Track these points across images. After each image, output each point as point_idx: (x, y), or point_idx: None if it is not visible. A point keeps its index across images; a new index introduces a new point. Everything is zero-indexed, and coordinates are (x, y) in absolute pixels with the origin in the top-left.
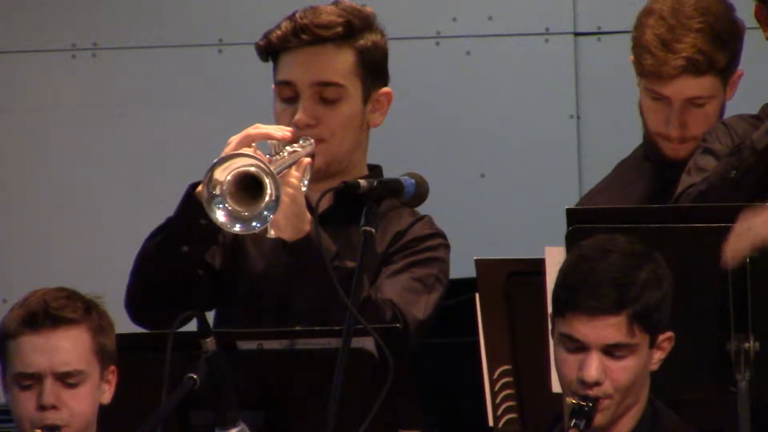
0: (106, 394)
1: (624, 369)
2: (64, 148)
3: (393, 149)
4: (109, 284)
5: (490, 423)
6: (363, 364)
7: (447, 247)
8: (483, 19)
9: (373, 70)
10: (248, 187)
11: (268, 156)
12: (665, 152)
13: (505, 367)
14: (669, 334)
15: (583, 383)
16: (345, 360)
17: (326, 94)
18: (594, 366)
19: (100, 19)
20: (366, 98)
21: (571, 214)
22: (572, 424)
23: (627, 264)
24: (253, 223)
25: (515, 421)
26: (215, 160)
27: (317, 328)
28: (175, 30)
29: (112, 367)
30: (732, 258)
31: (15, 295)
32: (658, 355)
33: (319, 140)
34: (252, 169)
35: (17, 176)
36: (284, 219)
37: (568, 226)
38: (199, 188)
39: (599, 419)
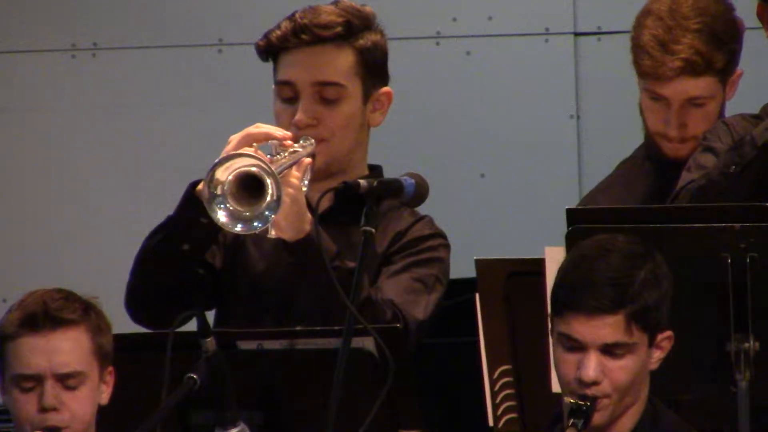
0: (105, 395)
1: (622, 368)
2: (64, 148)
3: (393, 149)
4: (108, 283)
5: (490, 423)
6: (363, 364)
7: (447, 247)
8: (483, 19)
9: (373, 69)
10: (249, 187)
11: (268, 156)
12: (665, 152)
13: (505, 367)
14: (668, 333)
15: (582, 383)
16: (345, 360)
17: (326, 94)
18: (592, 365)
19: (100, 19)
20: (366, 98)
21: (571, 214)
22: (570, 423)
23: (626, 264)
24: (255, 223)
25: (515, 421)
26: (216, 160)
27: (317, 328)
28: (175, 30)
29: (110, 368)
30: None
31: (15, 295)
32: (658, 355)
33: (320, 140)
34: (253, 169)
35: (17, 176)
36: (285, 219)
37: (568, 226)
38: (200, 186)
39: (598, 418)
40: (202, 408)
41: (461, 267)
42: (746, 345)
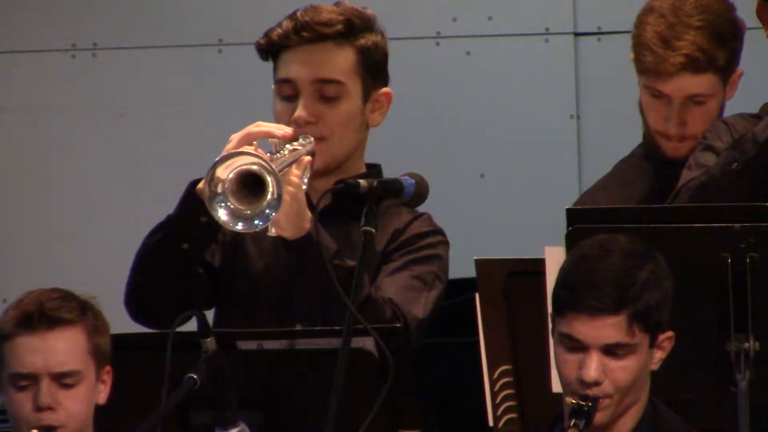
0: (102, 395)
1: (624, 369)
2: (64, 148)
3: (393, 149)
4: (108, 283)
5: (490, 423)
6: (363, 364)
7: (446, 244)
8: (483, 19)
9: (374, 69)
10: (250, 185)
11: (268, 154)
12: (665, 151)
13: (505, 367)
14: (669, 333)
15: (583, 383)
16: (345, 360)
17: (326, 92)
18: (594, 366)
19: (100, 19)
20: (366, 97)
21: (571, 214)
22: (572, 423)
23: (627, 264)
24: (255, 222)
25: (515, 421)
26: (217, 159)
27: (317, 328)
28: (175, 30)
29: (108, 368)
30: None
31: (15, 295)
32: (659, 355)
33: (319, 138)
34: (254, 167)
35: (17, 176)
36: (285, 217)
37: (568, 226)
38: (200, 185)
39: (599, 418)
40: (202, 408)
41: (461, 267)
42: (746, 345)
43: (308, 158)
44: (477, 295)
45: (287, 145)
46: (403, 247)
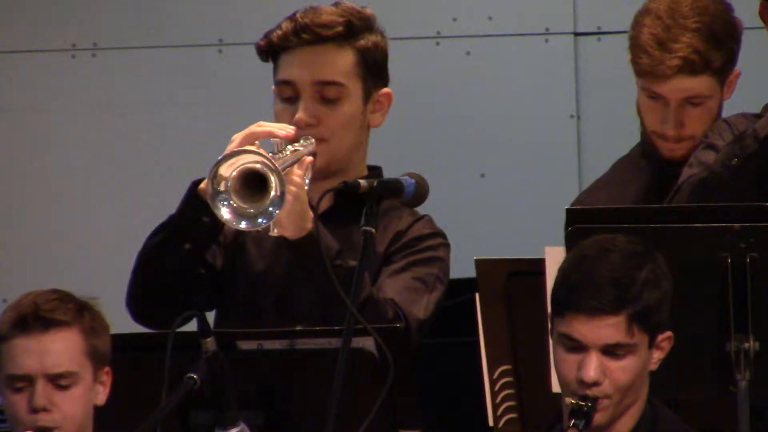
0: (101, 396)
1: (623, 369)
2: (64, 148)
3: (393, 149)
4: (108, 283)
5: (490, 423)
6: (363, 364)
7: (447, 246)
8: (483, 19)
9: (374, 70)
10: (253, 183)
11: (270, 154)
12: (662, 151)
13: (505, 367)
14: (668, 333)
15: (583, 383)
16: (345, 360)
17: (327, 94)
18: (593, 366)
19: (100, 19)
20: (366, 98)
21: (571, 214)
22: (572, 423)
23: (627, 264)
24: (258, 220)
25: (515, 421)
26: (220, 157)
27: (317, 328)
28: (175, 30)
29: (106, 369)
30: None
31: (15, 295)
32: (658, 355)
33: (320, 140)
34: (257, 165)
35: (17, 176)
36: (287, 217)
37: (568, 226)
38: (202, 185)
39: (599, 419)
40: (202, 408)
41: (461, 267)
42: (746, 345)
43: (310, 158)
44: (477, 295)
45: (288, 146)
46: (405, 249)
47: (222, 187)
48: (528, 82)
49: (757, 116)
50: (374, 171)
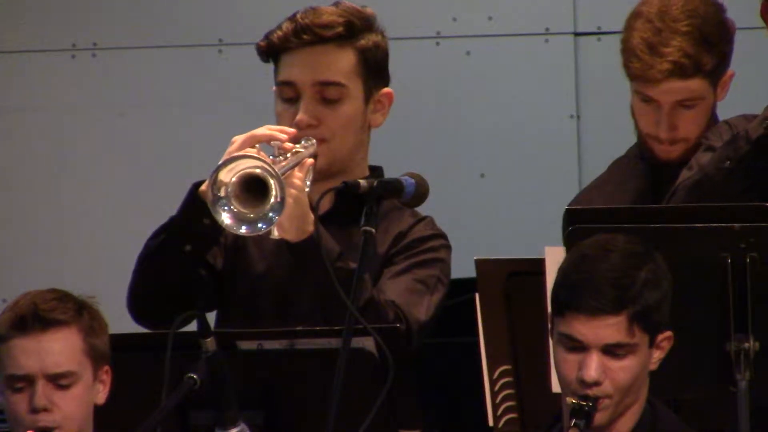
0: (101, 395)
1: (624, 369)
2: (64, 148)
3: (393, 149)
4: (109, 283)
5: (490, 423)
6: (363, 364)
7: (448, 248)
8: (483, 19)
9: (374, 70)
10: (253, 188)
11: (271, 157)
12: (657, 154)
13: (505, 367)
14: (668, 333)
15: (583, 383)
16: (345, 360)
17: (327, 94)
18: (594, 366)
19: (100, 19)
20: (367, 98)
21: (571, 214)
22: (572, 423)
23: (627, 264)
24: (259, 225)
25: (515, 421)
26: (220, 162)
27: (317, 328)
28: (175, 30)
29: (106, 368)
30: None
31: (15, 296)
32: (658, 355)
33: (321, 140)
34: (257, 170)
35: (17, 176)
36: (288, 220)
37: (568, 226)
38: (203, 187)
39: (599, 418)
40: (202, 408)
41: (461, 267)
42: (746, 345)
43: (311, 161)
44: (477, 295)
45: (288, 150)
46: (406, 251)
47: (222, 193)
48: (528, 82)
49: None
50: (375, 171)
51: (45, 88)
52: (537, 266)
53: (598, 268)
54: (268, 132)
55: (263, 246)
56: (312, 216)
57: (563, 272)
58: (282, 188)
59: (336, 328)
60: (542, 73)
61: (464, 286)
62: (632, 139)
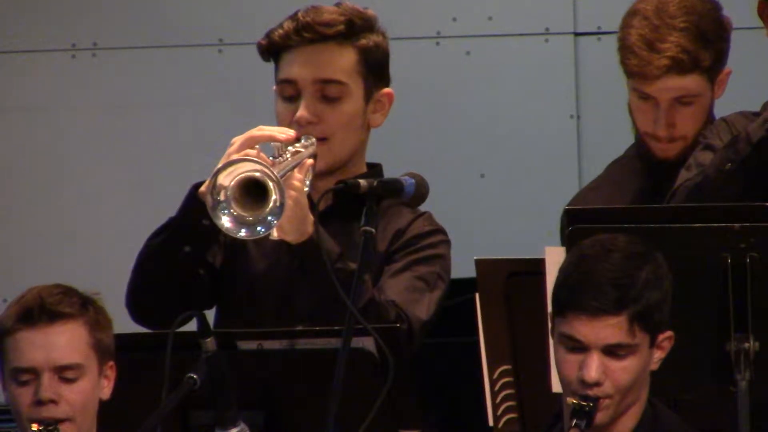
0: (105, 390)
1: (624, 369)
2: (64, 148)
3: (393, 149)
4: (109, 283)
5: (490, 423)
6: (363, 364)
7: (448, 243)
8: (483, 19)
9: (375, 69)
10: (252, 191)
11: (270, 158)
12: (655, 152)
13: (505, 367)
14: (669, 333)
15: (584, 383)
16: (345, 360)
17: (328, 92)
18: (594, 366)
19: (100, 19)
20: (367, 98)
21: (571, 214)
22: (573, 424)
23: (627, 264)
24: (258, 228)
25: (515, 421)
26: (219, 166)
27: (317, 328)
28: (175, 30)
29: (111, 363)
30: None
31: (15, 295)
32: (658, 355)
33: (321, 138)
34: (256, 174)
35: (17, 176)
36: (287, 222)
37: (568, 226)
38: (202, 188)
39: (599, 419)
40: (202, 408)
41: (461, 267)
42: (746, 345)
43: (310, 161)
44: (477, 295)
45: (289, 147)
46: (406, 248)
47: (221, 197)
48: (528, 82)
49: (757, 114)
50: (374, 169)
51: (45, 88)
52: (537, 266)
53: (599, 268)
54: (267, 132)
55: (263, 245)
56: (311, 217)
57: (564, 272)
58: (282, 192)
59: (336, 328)
60: (542, 73)
61: (464, 286)
62: (632, 139)
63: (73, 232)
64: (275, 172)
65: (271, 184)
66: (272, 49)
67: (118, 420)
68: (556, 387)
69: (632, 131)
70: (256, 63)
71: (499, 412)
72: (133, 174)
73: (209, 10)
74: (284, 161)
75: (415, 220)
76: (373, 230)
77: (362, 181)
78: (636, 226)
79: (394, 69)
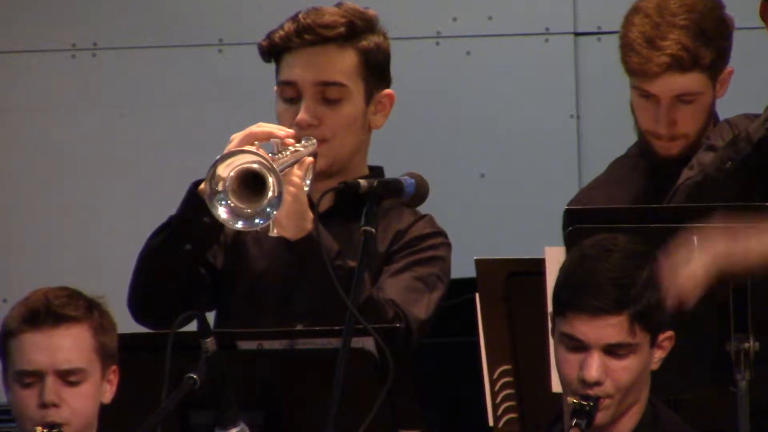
0: (107, 394)
1: (625, 368)
2: (64, 148)
3: (393, 149)
4: (109, 284)
5: (490, 423)
6: (363, 364)
7: (448, 245)
8: (483, 19)
9: (376, 71)
10: (251, 183)
11: (270, 154)
12: (656, 150)
13: (505, 367)
14: (669, 333)
15: (584, 383)
16: (345, 360)
17: (328, 94)
18: (595, 366)
19: (100, 19)
20: (368, 99)
21: (571, 214)
22: (574, 423)
23: (628, 264)
24: (256, 220)
25: (515, 421)
26: (218, 157)
27: (317, 328)
28: (175, 30)
29: (114, 367)
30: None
31: (15, 295)
32: (659, 355)
33: (321, 140)
34: (254, 165)
35: (17, 176)
36: (286, 217)
37: (568, 226)
38: (202, 186)
39: (600, 418)
40: (202, 408)
41: (461, 267)
42: (746, 345)
43: (310, 159)
44: (477, 295)
45: (289, 147)
46: (406, 249)
47: (219, 187)
48: (528, 82)
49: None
50: (375, 171)
51: (45, 88)
52: (537, 266)
53: (600, 267)
54: (267, 129)
55: (263, 245)
56: (311, 214)
57: (565, 272)
58: (279, 183)
59: (336, 328)
60: (542, 73)
61: (464, 286)
62: (633, 139)
63: (73, 232)
64: (274, 165)
65: (269, 176)
66: (273, 51)
67: (118, 420)
68: (556, 387)
69: (635, 130)
70: (256, 63)
71: (499, 412)
72: (133, 174)
73: (209, 10)
74: (283, 157)
75: (417, 221)
76: (373, 230)
77: (362, 181)
78: (636, 226)
79: (394, 69)
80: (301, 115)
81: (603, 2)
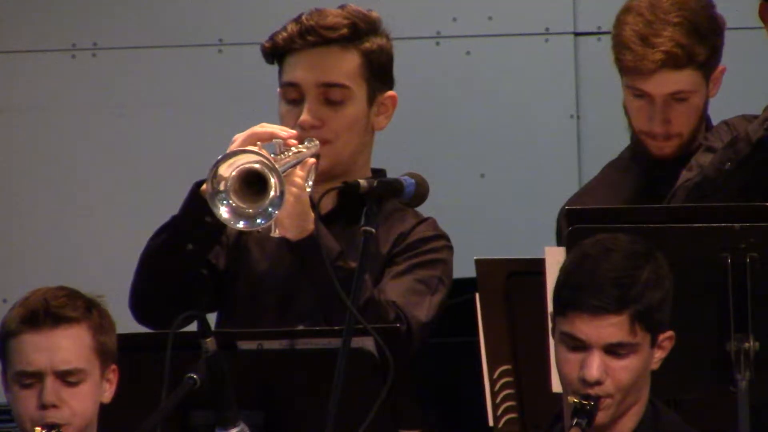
0: (107, 393)
1: (625, 368)
2: (64, 148)
3: (393, 149)
4: (109, 284)
5: (490, 423)
6: (363, 364)
7: (450, 249)
8: (483, 19)
9: (379, 72)
10: (252, 183)
11: (272, 155)
12: (651, 151)
13: (505, 367)
14: (670, 333)
15: (585, 382)
16: (345, 360)
17: (331, 96)
18: (595, 365)
19: (100, 19)
20: (371, 101)
21: (571, 214)
22: (574, 423)
23: (629, 263)
24: (257, 220)
25: (515, 421)
26: (220, 157)
27: (317, 328)
28: (175, 30)
29: (113, 366)
30: None
31: (15, 295)
32: (659, 355)
33: (324, 142)
34: (256, 165)
35: (17, 176)
36: (288, 218)
37: (568, 226)
38: (204, 186)
39: (600, 418)
40: (202, 408)
41: (461, 267)
42: (746, 345)
43: (312, 160)
44: (477, 295)
45: (291, 147)
46: (408, 251)
47: (221, 187)
48: (528, 82)
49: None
50: (378, 174)
51: (45, 88)
52: (537, 266)
53: (600, 267)
54: (270, 130)
55: (265, 245)
56: (312, 214)
57: (565, 272)
58: (281, 183)
59: (336, 328)
60: (542, 73)
61: (464, 286)
62: None
63: (73, 232)
64: (276, 165)
65: (271, 176)
66: (276, 52)
67: (118, 420)
68: (556, 387)
69: (628, 130)
70: (256, 63)
71: (499, 412)
72: (133, 174)
73: (209, 10)
74: (286, 158)
75: (419, 224)
76: (373, 230)
77: (362, 181)
78: (636, 226)
79: (394, 69)
80: (304, 117)
81: (603, 2)
